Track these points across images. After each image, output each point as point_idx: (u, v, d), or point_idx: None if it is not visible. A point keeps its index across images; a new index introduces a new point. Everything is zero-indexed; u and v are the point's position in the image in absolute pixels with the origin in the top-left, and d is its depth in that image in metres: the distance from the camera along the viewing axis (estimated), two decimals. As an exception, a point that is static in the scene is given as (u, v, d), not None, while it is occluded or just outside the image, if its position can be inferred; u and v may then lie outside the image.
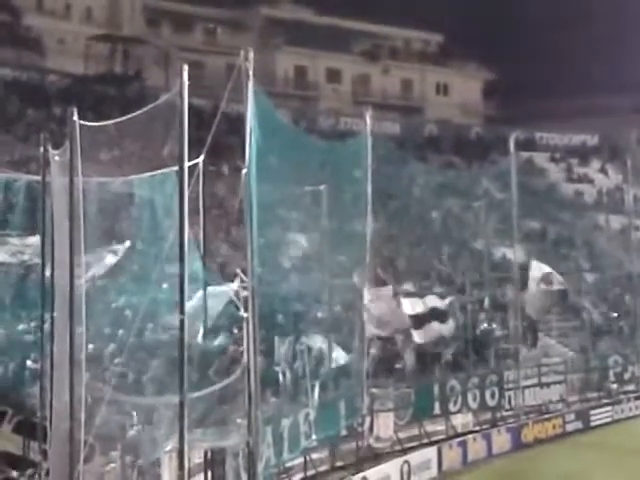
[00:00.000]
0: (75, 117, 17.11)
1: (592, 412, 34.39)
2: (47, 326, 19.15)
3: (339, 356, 26.08)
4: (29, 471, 19.44)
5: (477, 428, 30.82)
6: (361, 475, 24.29)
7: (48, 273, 19.70)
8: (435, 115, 67.55)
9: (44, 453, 18.61)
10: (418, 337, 29.56)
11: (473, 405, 31.33)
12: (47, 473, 18.03)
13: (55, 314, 18.08)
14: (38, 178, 20.92)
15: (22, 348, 22.59)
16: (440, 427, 29.95)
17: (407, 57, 71.47)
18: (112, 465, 19.54)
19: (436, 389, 30.28)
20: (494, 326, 34.94)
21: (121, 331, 20.78)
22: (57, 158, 18.53)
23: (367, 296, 26.34)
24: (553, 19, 67.41)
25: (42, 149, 19.70)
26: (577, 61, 65.23)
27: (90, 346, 17.97)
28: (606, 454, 28.92)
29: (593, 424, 33.96)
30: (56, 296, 18.12)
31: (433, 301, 30.65)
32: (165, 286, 18.38)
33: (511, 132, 36.82)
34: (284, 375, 25.63)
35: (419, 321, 29.46)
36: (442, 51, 73.15)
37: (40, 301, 20.04)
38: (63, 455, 16.51)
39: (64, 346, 16.68)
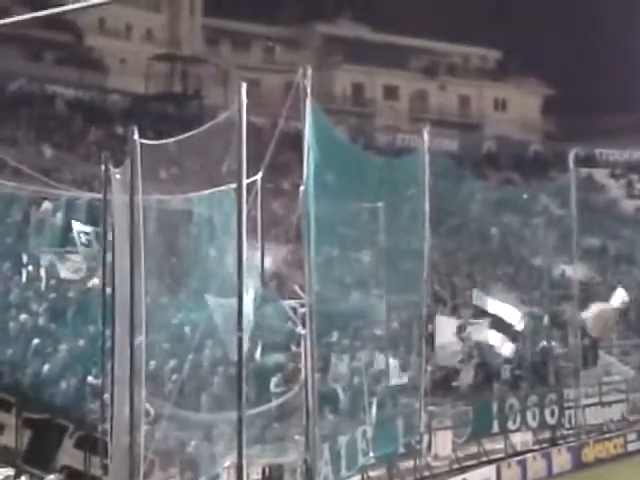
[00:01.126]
0: (136, 136, 17.34)
1: (654, 432, 33.88)
2: (108, 342, 19.36)
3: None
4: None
5: (536, 447, 30.50)
6: (419, 493, 24.20)
7: (109, 290, 19.92)
8: (493, 131, 67.25)
9: (105, 468, 18.79)
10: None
11: (532, 424, 31.00)
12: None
13: (116, 330, 18.29)
14: (99, 196, 21.20)
15: (83, 364, 22.84)
16: (499, 445, 29.68)
17: (465, 73, 71.30)
18: (171, 480, 19.70)
19: (495, 407, 30.03)
20: (553, 344, 34.59)
21: (180, 347, 20.95)
22: (118, 176, 18.77)
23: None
24: (612, 33, 66.80)
25: (103, 167, 19.97)
26: (638, 75, 64.53)
27: (152, 362, 18.14)
28: (669, 474, 28.49)
29: (655, 444, 33.45)
30: (117, 312, 18.34)
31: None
32: (223, 303, 18.48)
33: (570, 148, 36.63)
34: (342, 392, 25.61)
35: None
36: (500, 67, 72.87)
37: (101, 317, 20.27)
38: (123, 470, 16.68)
39: (124, 362, 16.88)
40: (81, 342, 23.71)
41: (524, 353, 32.77)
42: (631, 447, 32.56)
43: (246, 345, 16.44)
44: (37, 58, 54.68)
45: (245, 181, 16.70)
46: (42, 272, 26.51)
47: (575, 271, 33.41)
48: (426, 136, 25.88)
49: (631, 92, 63.70)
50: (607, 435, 32.61)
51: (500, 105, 70.91)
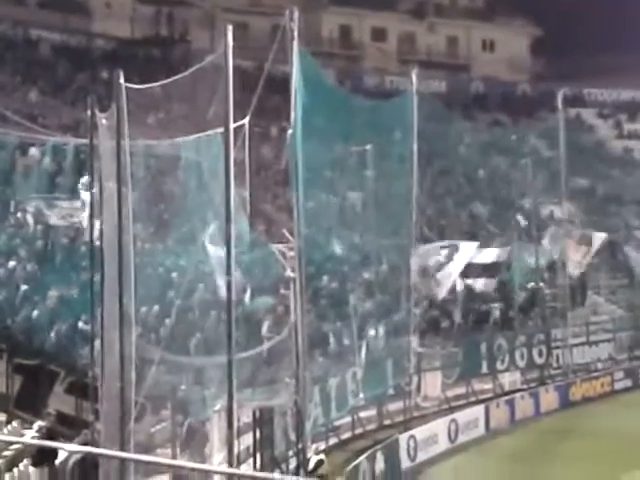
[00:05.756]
0: (121, 80, 17.18)
1: (641, 370, 34.24)
2: (97, 287, 19.35)
3: None
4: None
5: (525, 386, 30.80)
6: (409, 434, 24.45)
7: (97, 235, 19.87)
8: (481, 72, 66.80)
9: (96, 413, 18.90)
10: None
11: (521, 363, 31.29)
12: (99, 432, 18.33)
13: (105, 275, 18.27)
14: (86, 141, 21.07)
15: (73, 310, 22.88)
16: (487, 386, 29.98)
17: (453, 14, 70.62)
18: (163, 424, 19.83)
19: (483, 348, 30.27)
20: (542, 284, 34.76)
21: (170, 292, 20.99)
22: (104, 121, 18.63)
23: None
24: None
25: (89, 113, 19.82)
26: (626, 15, 64.10)
27: (142, 309, 18.15)
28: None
29: (642, 382, 33.83)
30: (105, 258, 18.32)
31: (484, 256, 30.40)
32: (212, 248, 18.48)
33: (559, 88, 36.45)
34: (331, 335, 25.74)
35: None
36: (488, 7, 72.20)
37: (89, 263, 20.26)
38: (114, 414, 16.77)
39: (114, 307, 16.88)
40: (70, 288, 23.75)
41: (512, 294, 32.97)
42: (618, 386, 32.91)
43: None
44: (20, 2, 53.94)
45: (232, 125, 16.58)
46: (30, 218, 26.47)
47: (563, 211, 33.50)
48: (414, 78, 25.75)
49: (619, 32, 63.33)
50: (594, 374, 32.94)
51: (488, 46, 70.40)
